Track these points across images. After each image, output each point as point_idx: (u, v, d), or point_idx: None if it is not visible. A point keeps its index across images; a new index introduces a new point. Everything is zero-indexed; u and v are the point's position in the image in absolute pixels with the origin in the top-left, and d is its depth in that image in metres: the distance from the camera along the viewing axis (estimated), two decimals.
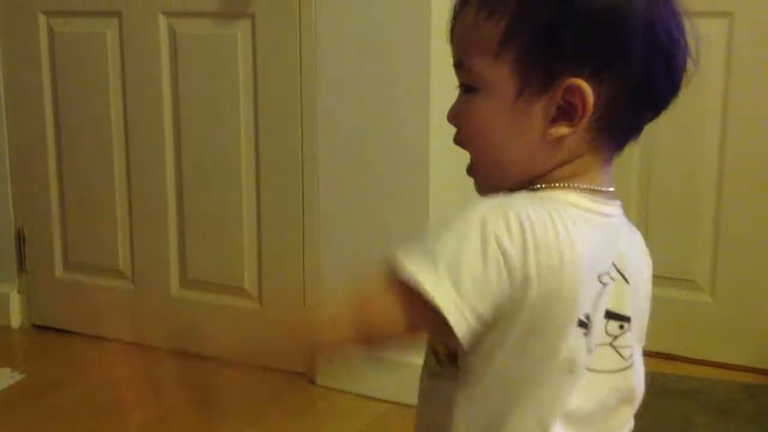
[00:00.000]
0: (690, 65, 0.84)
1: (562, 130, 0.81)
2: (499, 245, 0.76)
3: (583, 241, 0.79)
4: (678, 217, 2.44)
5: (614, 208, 0.85)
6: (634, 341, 0.87)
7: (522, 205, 0.79)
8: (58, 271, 2.74)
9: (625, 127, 0.84)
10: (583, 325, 0.80)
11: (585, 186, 0.83)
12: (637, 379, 0.88)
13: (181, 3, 2.41)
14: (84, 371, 2.38)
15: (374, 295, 0.78)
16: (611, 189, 0.85)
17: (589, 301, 0.81)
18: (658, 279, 0.93)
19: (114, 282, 2.60)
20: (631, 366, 0.87)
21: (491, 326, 0.78)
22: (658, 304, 0.95)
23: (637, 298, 0.88)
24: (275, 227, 2.38)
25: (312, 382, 2.33)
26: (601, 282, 0.82)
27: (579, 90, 0.79)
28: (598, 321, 0.82)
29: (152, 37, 2.44)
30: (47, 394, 2.30)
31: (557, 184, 0.83)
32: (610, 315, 0.84)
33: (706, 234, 2.41)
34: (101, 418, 2.07)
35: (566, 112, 0.80)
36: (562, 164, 0.83)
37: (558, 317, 0.79)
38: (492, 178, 0.85)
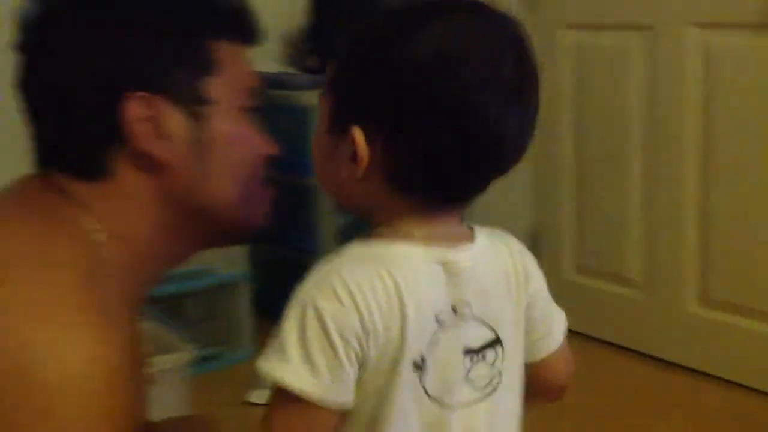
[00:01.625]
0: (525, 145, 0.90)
1: (356, 171, 0.85)
2: (335, 320, 0.81)
3: (412, 290, 0.83)
4: None
5: (460, 254, 0.87)
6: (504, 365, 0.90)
7: (348, 270, 0.83)
8: (569, 274, 2.75)
9: (432, 185, 0.86)
10: (417, 366, 0.84)
11: (420, 235, 0.86)
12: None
13: (715, 13, 2.33)
14: (590, 372, 2.49)
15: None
16: (458, 235, 0.89)
17: (423, 343, 0.84)
18: None
19: (624, 290, 2.66)
20: (489, 395, 0.89)
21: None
22: None
23: (508, 320, 0.91)
24: None
25: None
26: (437, 322, 0.85)
27: (352, 138, 0.84)
28: (440, 359, 0.85)
29: (681, 50, 2.40)
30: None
31: (392, 235, 0.86)
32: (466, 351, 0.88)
33: None
34: (593, 424, 2.25)
35: (354, 157, 0.85)
36: (381, 209, 0.87)
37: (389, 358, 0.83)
38: (333, 198, 0.94)
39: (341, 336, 0.81)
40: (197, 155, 0.97)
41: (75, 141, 0.95)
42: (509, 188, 2.90)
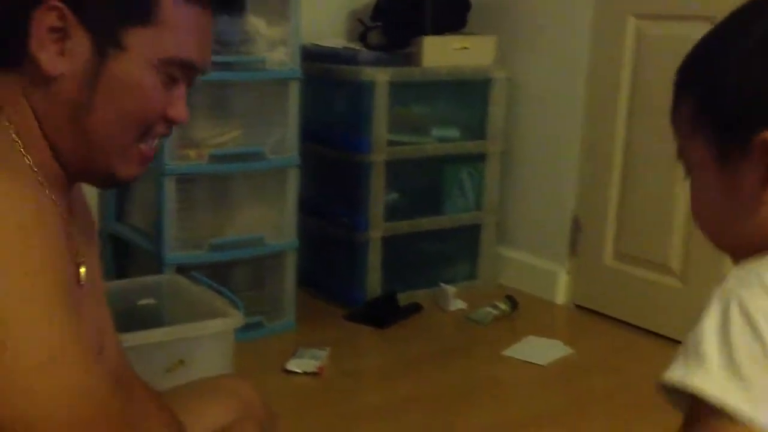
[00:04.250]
0: None
1: None
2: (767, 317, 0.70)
3: None
4: None
5: None
6: None
7: None
8: (608, 259, 2.79)
9: None
10: None
11: None
12: None
13: None
14: (627, 360, 2.56)
15: None
16: None
17: None
18: None
19: (664, 278, 2.68)
20: None
21: None
22: None
23: None
24: None
25: None
26: None
27: (762, 144, 0.75)
28: None
29: None
30: (594, 374, 2.47)
31: None
32: None
33: None
34: (642, 409, 2.09)
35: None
36: None
37: None
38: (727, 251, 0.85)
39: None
40: (88, 85, 0.99)
41: None
42: (555, 174, 2.93)
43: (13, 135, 0.99)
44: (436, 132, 2.98)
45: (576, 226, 2.94)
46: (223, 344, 2.10)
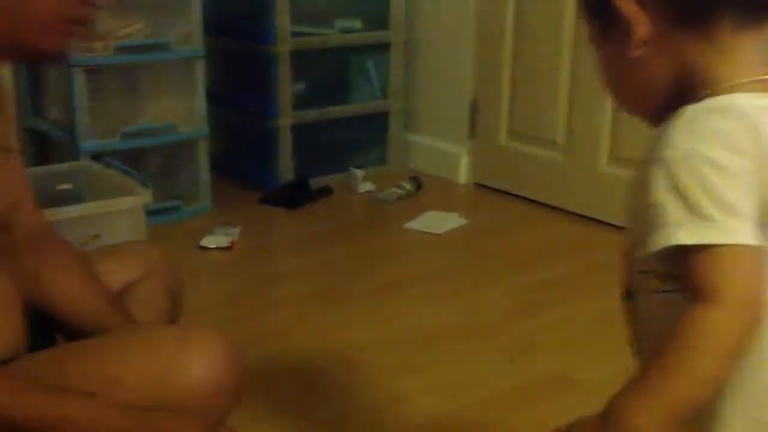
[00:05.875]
0: None
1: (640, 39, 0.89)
2: (730, 148, 0.81)
3: None
4: None
5: None
6: None
7: (713, 119, 0.84)
8: (503, 139, 2.98)
9: None
10: None
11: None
12: None
13: None
14: (515, 226, 2.81)
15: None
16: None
17: None
18: None
19: (549, 153, 2.90)
20: None
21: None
22: None
23: None
24: None
25: None
26: None
27: (618, 9, 0.88)
28: None
29: None
30: (484, 239, 2.71)
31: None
32: None
33: None
34: (522, 266, 2.47)
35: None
36: (693, 68, 0.88)
37: None
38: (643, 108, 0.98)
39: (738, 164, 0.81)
40: None
41: None
42: (454, 60, 3.10)
43: None
44: (339, 23, 3.12)
45: (474, 109, 3.13)
46: (135, 220, 2.27)
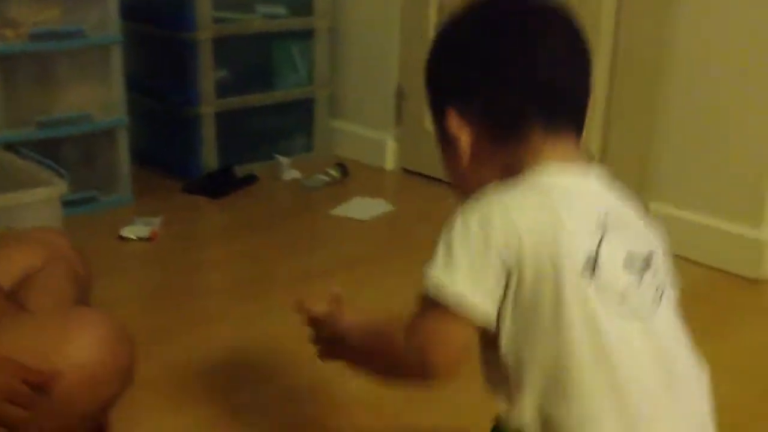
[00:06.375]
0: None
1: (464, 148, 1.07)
2: (484, 230, 0.95)
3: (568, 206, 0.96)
4: None
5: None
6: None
7: (495, 196, 0.99)
8: (428, 124, 2.93)
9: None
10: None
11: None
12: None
13: None
14: (442, 211, 2.80)
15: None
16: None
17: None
18: None
19: None
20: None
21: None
22: None
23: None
24: None
25: None
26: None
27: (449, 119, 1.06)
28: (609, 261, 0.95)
29: None
30: (411, 224, 2.71)
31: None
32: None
33: None
34: None
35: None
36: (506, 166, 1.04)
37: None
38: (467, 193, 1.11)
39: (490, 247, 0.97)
40: None
41: None
42: (380, 46, 3.09)
43: None
44: (261, 8, 3.07)
45: (400, 95, 3.12)
46: (50, 212, 2.21)
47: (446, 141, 1.07)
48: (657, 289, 0.96)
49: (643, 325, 0.93)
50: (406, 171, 3.15)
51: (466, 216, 0.97)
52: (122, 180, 2.78)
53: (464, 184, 1.09)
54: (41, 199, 2.18)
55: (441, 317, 0.95)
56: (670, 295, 0.99)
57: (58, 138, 2.63)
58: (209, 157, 3.01)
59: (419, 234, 2.62)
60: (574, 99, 1.02)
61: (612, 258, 0.93)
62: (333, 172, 3.03)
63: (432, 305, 0.96)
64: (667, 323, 0.97)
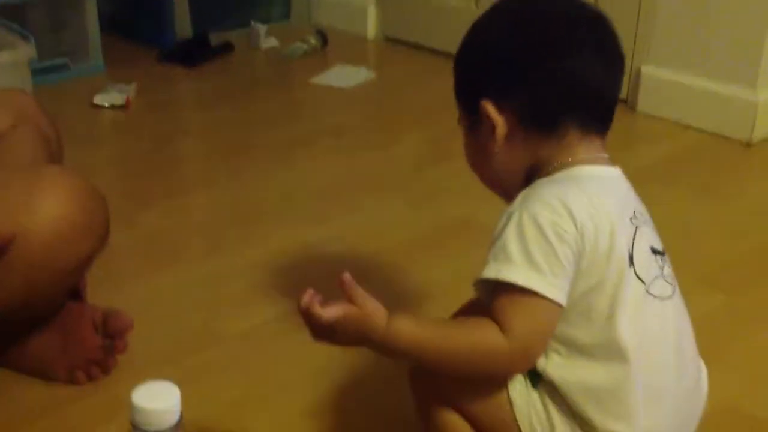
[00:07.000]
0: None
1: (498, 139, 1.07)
2: (553, 225, 0.96)
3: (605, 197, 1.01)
4: None
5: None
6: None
7: (553, 191, 1.00)
8: None
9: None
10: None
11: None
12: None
13: None
14: (423, 77, 2.72)
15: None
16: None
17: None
18: None
19: (460, 2, 2.78)
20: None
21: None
22: None
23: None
24: None
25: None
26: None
27: (484, 111, 1.06)
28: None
29: None
30: (393, 91, 2.64)
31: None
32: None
33: None
34: (433, 115, 2.25)
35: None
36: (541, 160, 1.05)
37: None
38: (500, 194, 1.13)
39: (559, 239, 0.96)
40: None
41: None
42: None
43: None
44: None
45: None
46: (20, 77, 2.12)
47: (473, 128, 1.07)
48: (671, 284, 1.04)
49: (665, 309, 1.02)
50: (389, 39, 3.03)
51: (530, 212, 0.98)
52: (93, 46, 2.66)
53: (487, 171, 1.10)
54: (8, 62, 2.08)
55: (539, 313, 0.97)
56: (679, 292, 1.06)
57: (24, 2, 2.51)
58: (183, 24, 2.88)
59: (403, 101, 2.56)
60: (608, 100, 1.08)
61: (641, 251, 1.01)
62: (312, 40, 2.92)
63: (525, 305, 0.97)
64: (681, 314, 1.05)
